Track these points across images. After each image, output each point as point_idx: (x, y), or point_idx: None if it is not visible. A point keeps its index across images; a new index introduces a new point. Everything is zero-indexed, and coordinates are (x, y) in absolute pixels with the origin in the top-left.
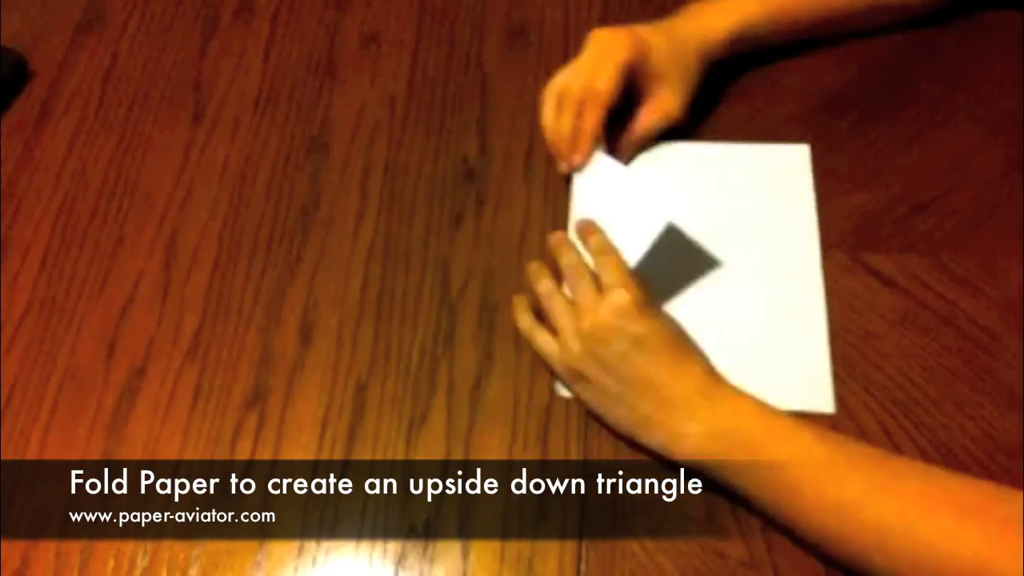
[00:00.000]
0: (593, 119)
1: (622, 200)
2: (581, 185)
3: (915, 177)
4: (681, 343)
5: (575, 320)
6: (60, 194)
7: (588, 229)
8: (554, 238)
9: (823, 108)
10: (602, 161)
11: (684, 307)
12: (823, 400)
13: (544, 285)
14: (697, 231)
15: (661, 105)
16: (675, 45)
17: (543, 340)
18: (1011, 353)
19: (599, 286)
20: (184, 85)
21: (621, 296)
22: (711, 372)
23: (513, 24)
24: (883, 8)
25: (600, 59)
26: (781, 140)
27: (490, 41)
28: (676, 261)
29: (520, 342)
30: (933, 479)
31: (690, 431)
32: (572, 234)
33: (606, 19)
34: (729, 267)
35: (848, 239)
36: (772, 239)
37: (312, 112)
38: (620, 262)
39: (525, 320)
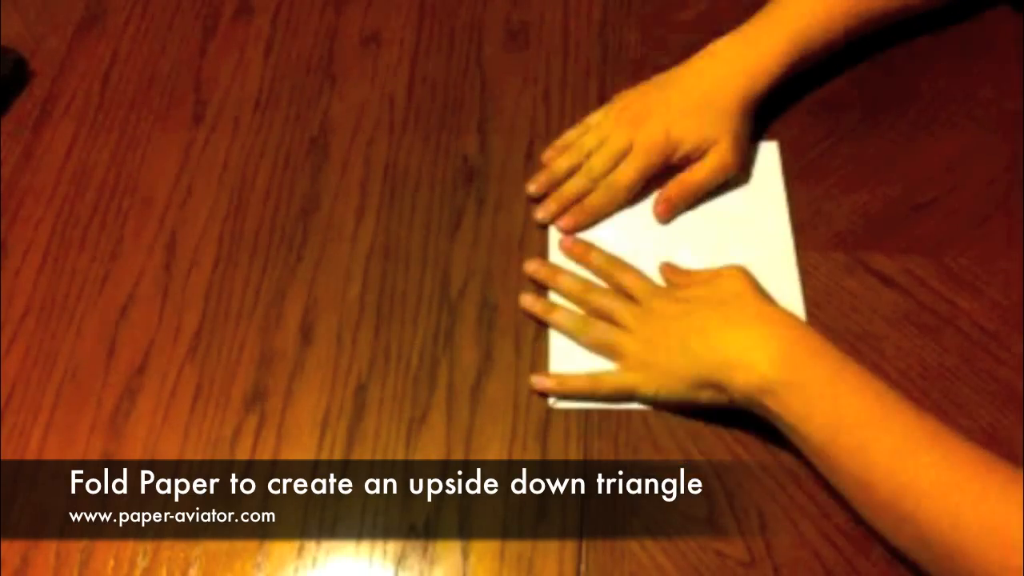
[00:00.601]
0: (601, 202)
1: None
2: None
3: (915, 177)
4: (752, 290)
5: (633, 305)
6: (60, 194)
7: (582, 246)
8: (543, 269)
9: (823, 108)
10: None
11: None
12: None
13: (569, 281)
14: (669, 231)
15: (714, 162)
16: (714, 113)
17: (602, 328)
18: (1011, 353)
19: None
20: (184, 85)
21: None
22: (770, 305)
23: (513, 24)
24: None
25: (625, 141)
26: (781, 139)
27: (490, 41)
28: None
29: (520, 342)
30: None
31: (762, 357)
32: (553, 247)
33: (606, 19)
34: (704, 266)
35: (848, 239)
36: (745, 238)
37: (312, 112)
38: (640, 273)
39: (563, 316)
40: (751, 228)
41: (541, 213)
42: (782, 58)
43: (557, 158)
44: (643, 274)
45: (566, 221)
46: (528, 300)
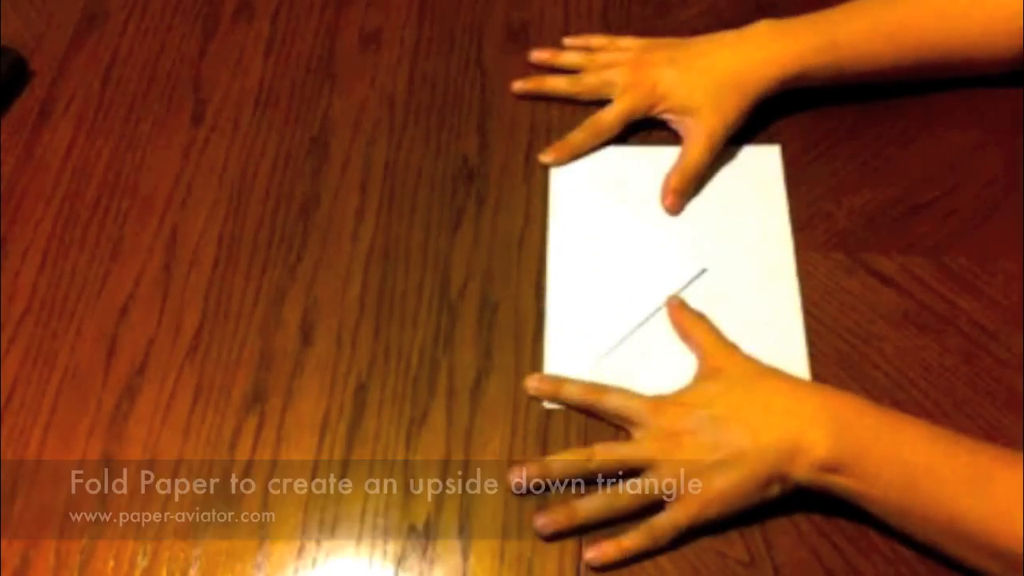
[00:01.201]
0: (582, 139)
1: (599, 203)
2: (558, 188)
3: (915, 177)
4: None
5: (646, 412)
6: (60, 194)
7: (550, 384)
8: (544, 385)
9: (823, 108)
10: (581, 162)
11: (660, 311)
12: None
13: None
14: (671, 235)
15: (705, 138)
16: (716, 84)
17: (637, 485)
18: (1011, 353)
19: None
20: (184, 85)
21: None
22: (792, 378)
23: (513, 24)
24: (967, 61)
25: (619, 87)
26: (782, 140)
27: (490, 41)
28: None
29: (520, 342)
30: None
31: (816, 438)
32: (553, 248)
33: (606, 19)
34: (704, 270)
35: (848, 239)
36: (745, 241)
37: (312, 112)
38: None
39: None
40: (751, 232)
41: (543, 156)
42: (811, 56)
43: (568, 51)
44: (627, 391)
45: (550, 155)
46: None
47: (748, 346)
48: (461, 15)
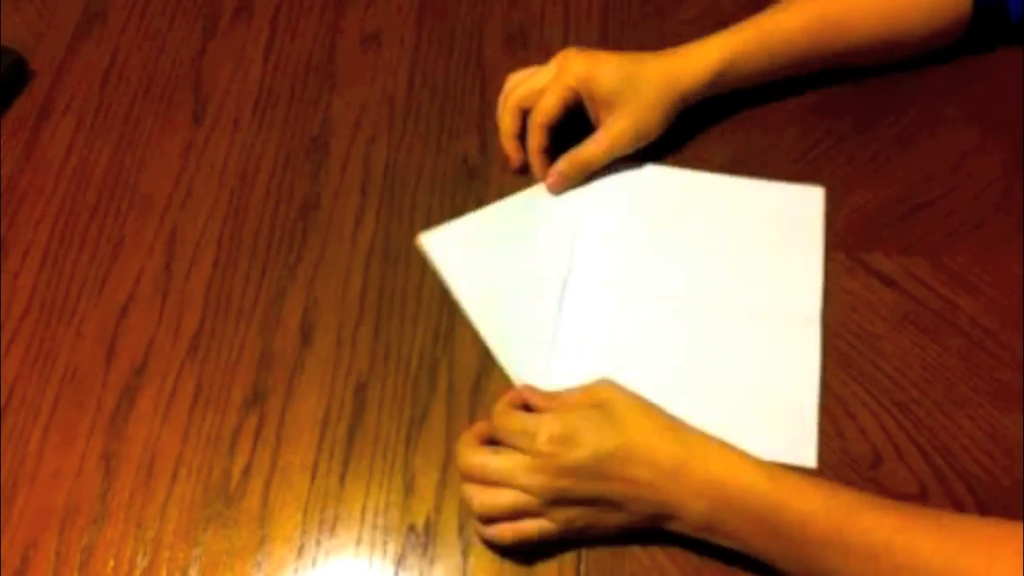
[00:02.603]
0: (534, 139)
1: (626, 226)
2: (586, 206)
3: (915, 177)
4: (631, 427)
5: (524, 490)
6: (60, 194)
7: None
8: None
9: (823, 108)
10: (616, 172)
11: (678, 345)
12: (806, 454)
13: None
14: (698, 265)
15: (606, 137)
16: (637, 76)
17: (502, 497)
18: (1011, 353)
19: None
20: (184, 85)
21: (549, 428)
22: (678, 433)
23: (513, 24)
24: (890, 44)
25: (552, 77)
26: (781, 140)
27: (490, 41)
28: None
29: None
30: (954, 517)
31: (698, 509)
32: None
33: (606, 19)
34: (726, 306)
35: (848, 239)
36: (774, 281)
37: (312, 112)
38: (511, 409)
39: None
40: (781, 272)
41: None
42: (739, 48)
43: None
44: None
45: (540, 174)
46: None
47: (759, 389)
48: (461, 15)
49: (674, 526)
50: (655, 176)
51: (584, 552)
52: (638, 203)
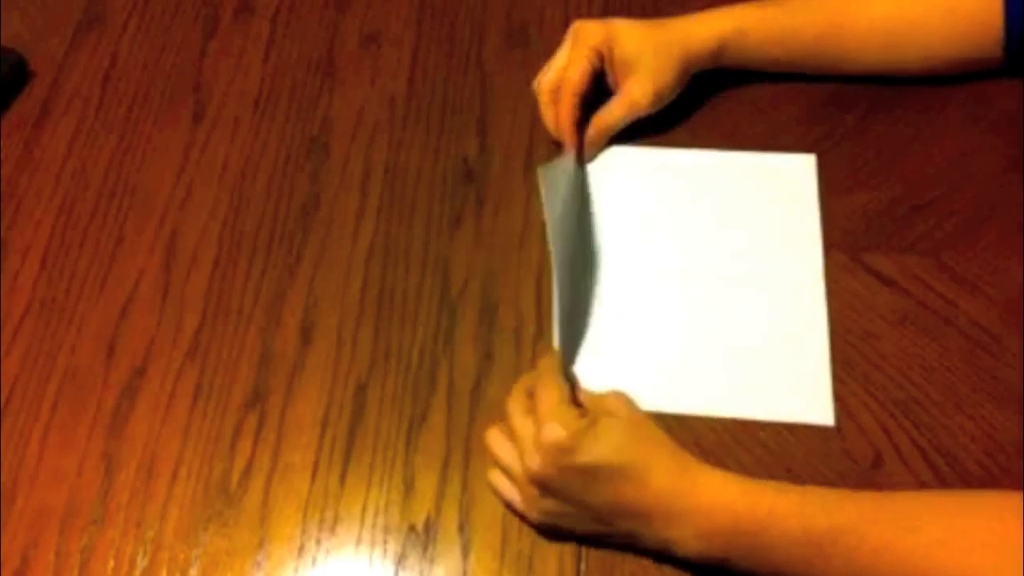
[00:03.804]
0: (565, 109)
1: (629, 202)
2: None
3: (915, 177)
4: (632, 446)
5: (520, 460)
6: (60, 194)
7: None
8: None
9: (823, 108)
10: (615, 157)
11: (687, 317)
12: (823, 412)
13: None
14: (699, 239)
15: (627, 97)
16: (652, 37)
17: (500, 482)
18: (1011, 353)
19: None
20: (184, 85)
21: (553, 432)
22: (678, 459)
23: (513, 24)
24: (901, 60)
25: (571, 49)
26: (782, 140)
27: (490, 41)
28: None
29: (520, 342)
30: (950, 502)
31: (681, 536)
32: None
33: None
34: (731, 276)
35: (848, 239)
36: (775, 249)
37: (312, 112)
38: (557, 386)
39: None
40: (781, 239)
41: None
42: (752, 15)
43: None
44: (553, 408)
45: (568, 149)
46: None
47: (770, 354)
48: (461, 15)
49: (676, 552)
50: (646, 158)
51: (584, 552)
52: (631, 185)
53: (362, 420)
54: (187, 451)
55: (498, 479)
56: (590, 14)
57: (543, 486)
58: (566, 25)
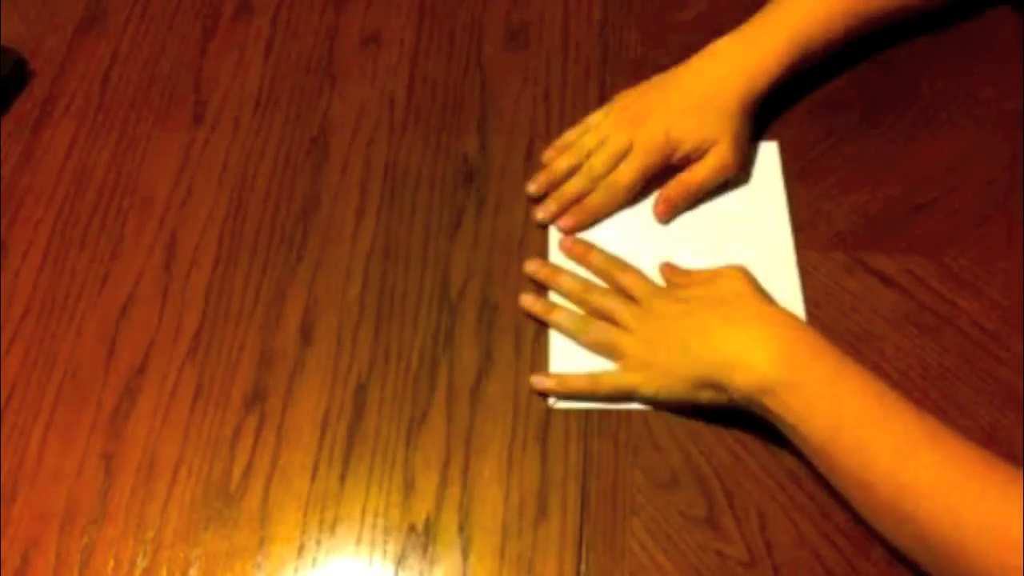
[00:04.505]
0: (601, 202)
1: None
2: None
3: (915, 177)
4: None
5: (633, 305)
6: (60, 194)
7: (582, 246)
8: (543, 269)
9: (823, 108)
10: None
11: None
12: None
13: (569, 281)
14: (669, 231)
15: (714, 162)
16: (711, 110)
17: (602, 328)
18: (1011, 353)
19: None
20: (184, 85)
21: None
22: (770, 305)
23: (513, 24)
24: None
25: (624, 144)
26: (781, 139)
27: (490, 41)
28: None
29: (520, 342)
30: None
31: (753, 359)
32: (553, 248)
33: (606, 19)
34: (705, 266)
35: (848, 239)
36: (745, 237)
37: (312, 112)
38: (640, 273)
39: (563, 315)
40: (751, 228)
41: (541, 213)
42: (782, 58)
43: (557, 158)
44: (643, 274)
45: (566, 221)
46: (528, 300)
47: None
48: (461, 15)
49: (733, 382)
50: None
51: (584, 552)
52: None
53: (362, 420)
54: (187, 451)
55: (594, 323)
56: (590, 15)
57: (663, 307)
58: (566, 25)
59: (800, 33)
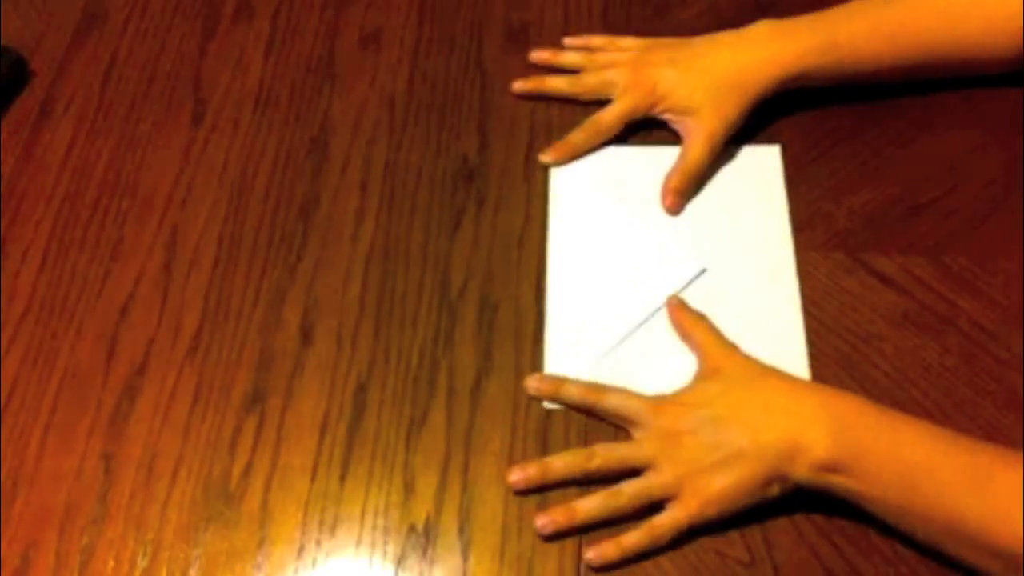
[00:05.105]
0: (582, 139)
1: (599, 202)
2: (558, 187)
3: (915, 177)
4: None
5: (648, 439)
6: (60, 194)
7: (550, 384)
8: (544, 384)
9: (823, 108)
10: (581, 162)
11: (660, 314)
12: None
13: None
14: (671, 235)
15: (704, 137)
16: (707, 81)
17: (635, 488)
18: (1011, 353)
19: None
20: (184, 85)
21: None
22: (791, 378)
23: (513, 24)
24: (967, 62)
25: (625, 84)
26: (783, 140)
27: (490, 41)
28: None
29: (520, 342)
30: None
31: (810, 440)
32: (552, 247)
33: (606, 19)
34: (704, 270)
35: (848, 239)
36: (745, 241)
37: (312, 112)
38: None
39: (594, 504)
40: (751, 232)
41: (543, 156)
42: (809, 57)
43: (569, 51)
44: (627, 392)
45: (550, 155)
46: (533, 383)
47: (748, 346)
48: (461, 15)
49: (796, 470)
50: (620, 157)
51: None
52: (597, 183)
53: (362, 421)
54: (187, 451)
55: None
56: (590, 15)
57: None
58: (566, 25)
59: (836, 44)
